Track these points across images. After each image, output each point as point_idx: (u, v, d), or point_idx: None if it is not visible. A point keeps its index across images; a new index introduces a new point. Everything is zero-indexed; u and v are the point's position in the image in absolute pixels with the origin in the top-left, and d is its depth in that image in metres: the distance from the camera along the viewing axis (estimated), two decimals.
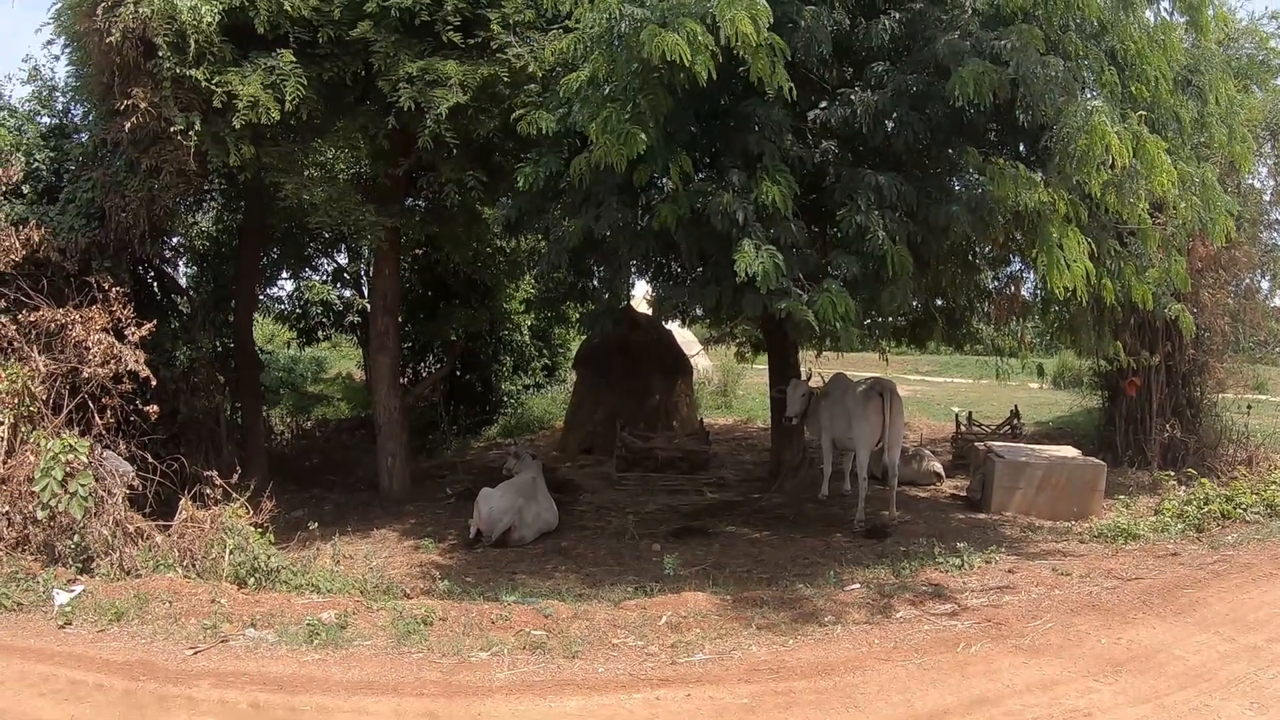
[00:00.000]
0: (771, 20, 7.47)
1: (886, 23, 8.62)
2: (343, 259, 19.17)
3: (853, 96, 8.56)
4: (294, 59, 9.66)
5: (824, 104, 8.86)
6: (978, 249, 9.46)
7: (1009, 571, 8.99)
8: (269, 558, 8.42)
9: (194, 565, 8.34)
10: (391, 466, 13.59)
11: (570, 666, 6.49)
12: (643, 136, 7.96)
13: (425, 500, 13.38)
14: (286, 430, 18.91)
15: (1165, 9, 9.78)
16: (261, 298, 18.15)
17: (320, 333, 20.71)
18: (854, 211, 8.28)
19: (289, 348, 24.08)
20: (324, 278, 19.82)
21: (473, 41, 10.17)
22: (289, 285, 19.79)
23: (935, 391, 28.83)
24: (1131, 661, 6.67)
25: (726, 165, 8.64)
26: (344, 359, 26.93)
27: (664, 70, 7.81)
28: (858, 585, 8.32)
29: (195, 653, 6.69)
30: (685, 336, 22.07)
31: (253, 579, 8.19)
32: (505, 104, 10.15)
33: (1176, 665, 6.64)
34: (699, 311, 11.61)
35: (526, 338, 22.49)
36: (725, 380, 24.52)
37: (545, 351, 23.45)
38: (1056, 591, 8.38)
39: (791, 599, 7.84)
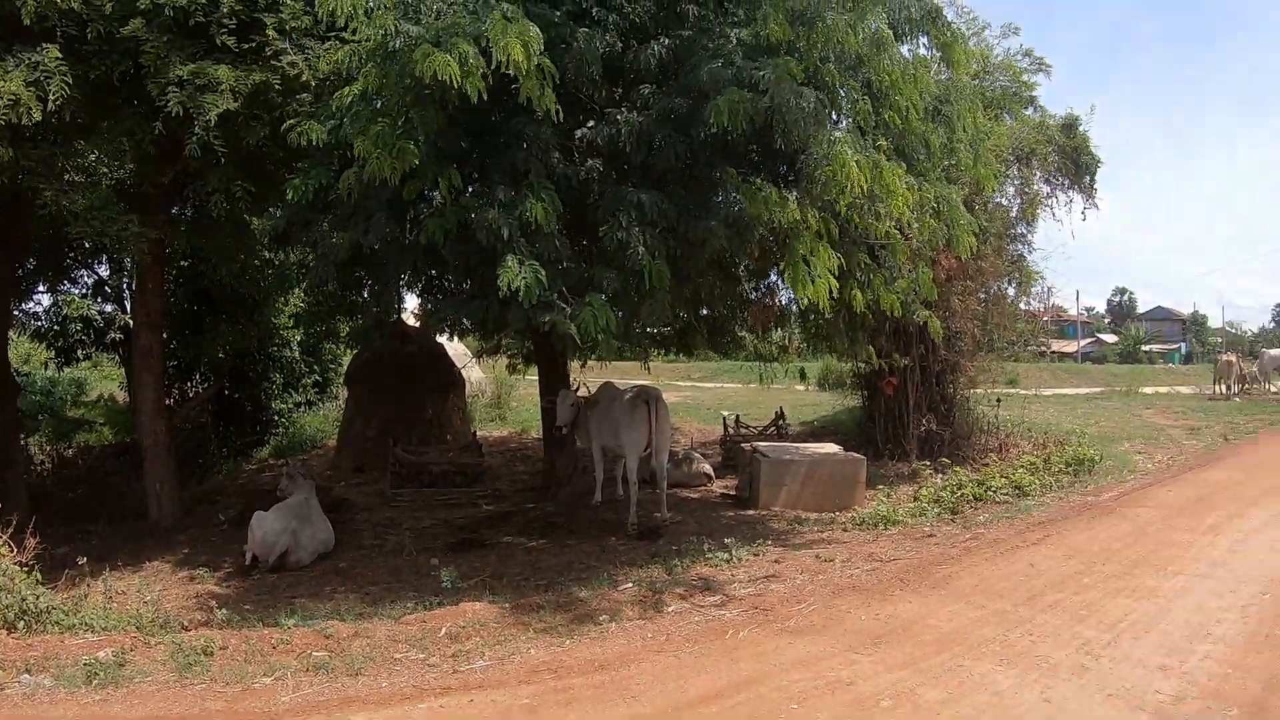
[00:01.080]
0: (543, 45, 7.69)
1: (656, 48, 8.99)
2: (105, 271, 18.16)
3: (619, 117, 8.87)
4: (60, 55, 9.10)
5: (591, 123, 9.12)
6: (738, 262, 9.95)
7: (775, 562, 9.58)
8: (37, 598, 7.90)
9: None
10: (160, 494, 12.98)
11: (354, 684, 6.48)
12: (414, 150, 8.07)
13: (198, 528, 12.88)
14: (47, 460, 17.74)
15: (924, 44, 10.65)
16: (16, 313, 16.93)
17: (80, 351, 19.57)
18: (615, 228, 8.53)
19: (46, 368, 22.57)
20: (83, 291, 18.67)
21: (247, 46, 9.89)
22: (45, 300, 18.67)
23: (706, 396, 29.96)
24: (890, 634, 7.26)
25: (495, 181, 8.75)
26: (106, 379, 25.57)
27: (435, 88, 7.87)
28: (631, 584, 8.67)
29: None
30: (457, 349, 22.04)
31: (22, 622, 7.67)
32: (277, 112, 9.95)
33: (931, 633, 7.28)
34: (467, 325, 11.63)
35: (296, 354, 21.90)
36: (499, 392, 24.64)
37: (316, 368, 22.90)
38: (820, 577, 9.01)
39: (568, 602, 8.10)
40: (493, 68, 7.52)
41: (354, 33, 8.66)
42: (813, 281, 8.85)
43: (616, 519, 11.26)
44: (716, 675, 6.39)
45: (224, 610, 8.59)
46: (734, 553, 9.68)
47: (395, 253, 9.70)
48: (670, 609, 7.96)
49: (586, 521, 11.59)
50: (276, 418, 20.95)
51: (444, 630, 7.41)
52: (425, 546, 11.16)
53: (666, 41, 9.09)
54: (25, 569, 8.18)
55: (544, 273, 8.09)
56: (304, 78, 9.87)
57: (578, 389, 12.72)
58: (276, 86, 9.92)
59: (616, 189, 8.91)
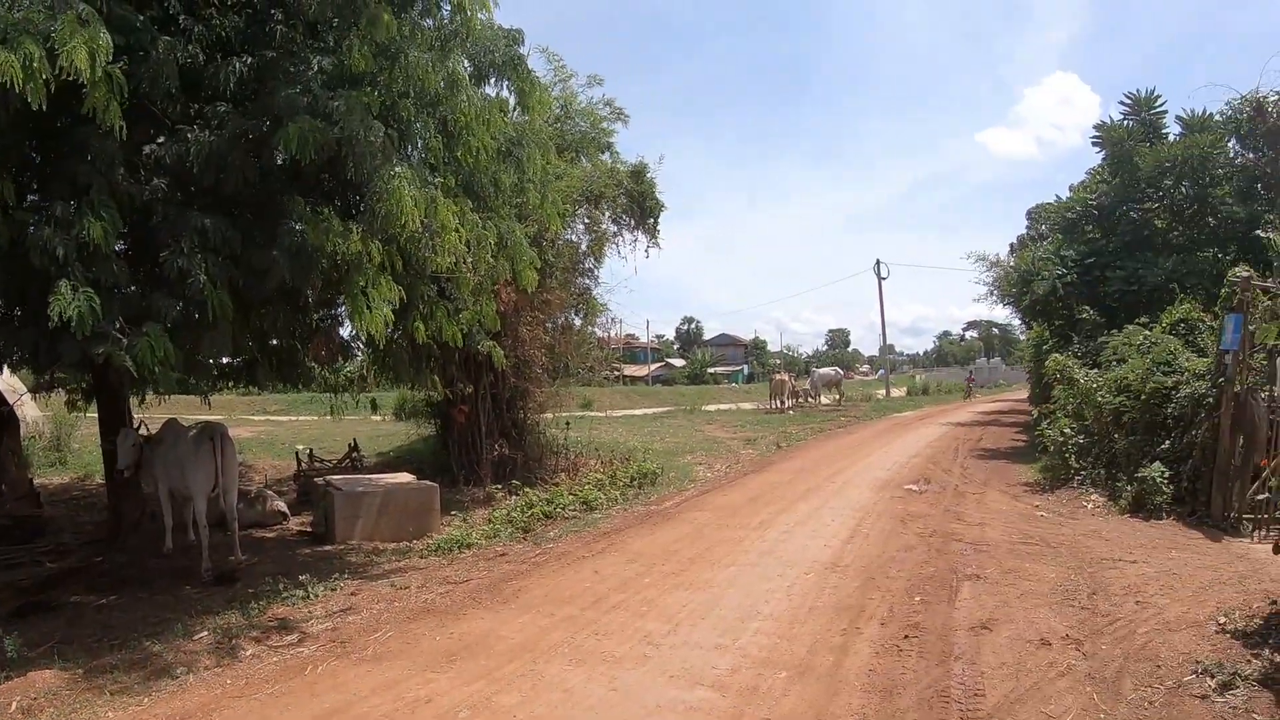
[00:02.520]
0: (111, 55, 7.12)
1: (238, 65, 8.53)
2: None
3: (189, 135, 8.31)
4: None
5: (162, 139, 8.48)
6: (303, 292, 9.78)
7: (352, 594, 9.58)
8: None
9: None
10: None
11: None
12: None
13: None
14: None
15: (508, 87, 11.09)
16: None
17: None
18: (177, 254, 8.06)
19: None
20: None
21: None
22: None
23: (281, 431, 28.91)
24: (465, 650, 7.59)
25: (55, 195, 7.96)
26: None
27: None
28: (206, 633, 8.28)
29: None
30: (7, 383, 19.33)
31: None
32: None
33: (504, 644, 7.70)
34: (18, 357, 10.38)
35: None
36: (59, 432, 21.66)
37: None
38: (396, 604, 9.17)
39: (142, 659, 7.57)
40: (56, 72, 6.90)
41: None
42: (372, 311, 8.94)
43: (191, 566, 10.52)
44: (299, 712, 6.33)
45: None
46: (310, 590, 9.56)
47: None
48: (247, 653, 7.72)
49: (159, 571, 10.71)
50: None
51: (14, 705, 6.64)
52: None
53: (250, 60, 8.66)
54: None
55: (99, 301, 7.44)
56: None
57: (139, 427, 11.76)
58: None
59: (181, 211, 8.38)
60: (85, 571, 11.03)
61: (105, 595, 9.91)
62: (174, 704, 6.57)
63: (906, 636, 7.60)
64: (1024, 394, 47.75)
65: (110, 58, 7.12)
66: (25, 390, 19.27)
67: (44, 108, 6.94)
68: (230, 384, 13.85)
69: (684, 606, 8.74)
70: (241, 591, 9.69)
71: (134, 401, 12.85)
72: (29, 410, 20.51)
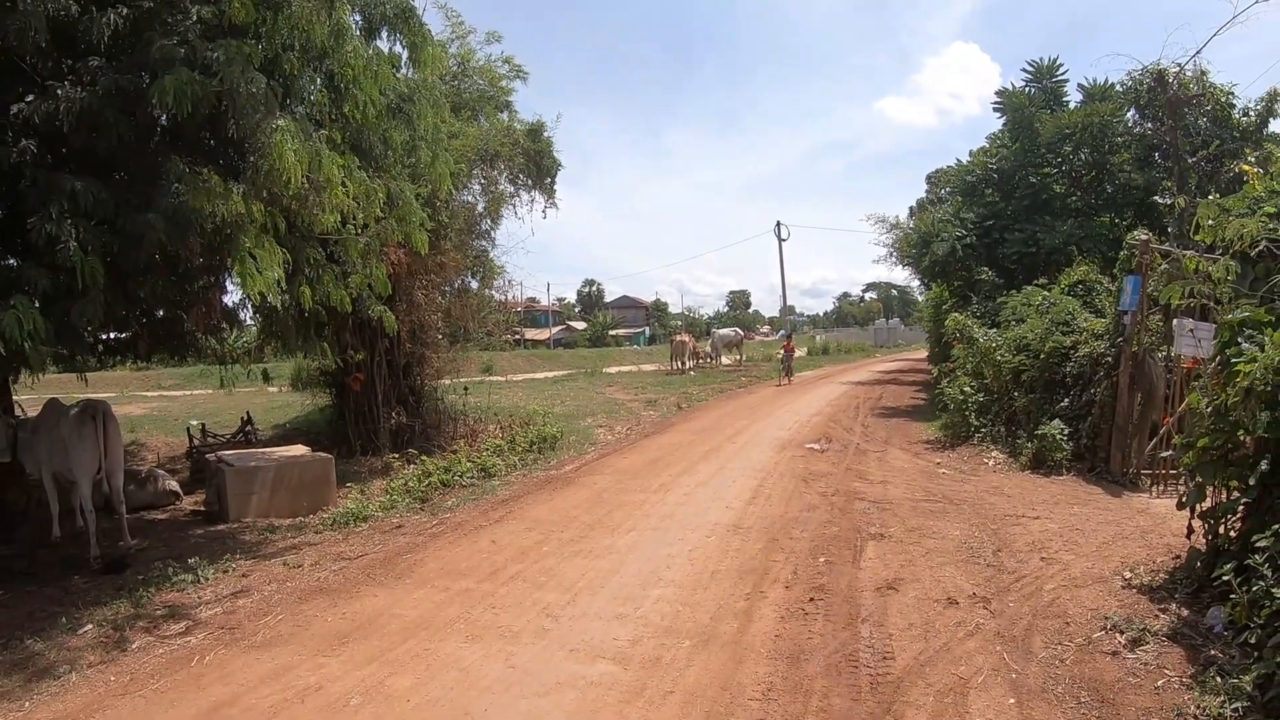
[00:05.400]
0: None
1: (113, 16, 7.99)
2: None
3: (60, 91, 7.78)
4: None
5: (31, 98, 7.90)
6: (184, 258, 9.26)
7: (243, 576, 9.20)
8: None
9: None
10: None
11: None
12: None
13: None
14: None
15: (400, 42, 10.58)
16: None
17: None
18: (45, 219, 7.56)
19: None
20: None
21: None
22: None
23: (175, 406, 27.91)
24: (356, 630, 7.29)
25: None
26: None
27: None
28: (90, 626, 7.81)
29: None
30: None
31: None
32: None
33: (397, 623, 7.43)
34: None
35: None
36: None
37: None
38: (289, 584, 8.81)
39: (23, 659, 7.10)
40: None
41: None
42: (260, 274, 8.60)
43: (81, 554, 9.96)
44: (184, 708, 5.98)
45: None
46: (200, 573, 9.15)
47: None
48: (134, 645, 7.30)
49: (48, 561, 10.13)
50: None
51: None
52: None
53: (125, 11, 8.11)
54: None
55: None
56: None
57: (13, 410, 11.04)
58: None
59: (51, 175, 7.87)
60: None
61: None
62: (55, 706, 6.17)
63: (812, 599, 7.54)
64: (923, 354, 48.75)
65: None
66: None
67: None
68: (115, 359, 13.15)
69: (583, 575, 8.57)
70: (131, 579, 9.24)
71: (12, 382, 12.09)
72: None
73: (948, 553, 8.86)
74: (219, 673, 6.58)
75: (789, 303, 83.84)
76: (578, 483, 13.35)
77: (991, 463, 13.87)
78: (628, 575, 8.49)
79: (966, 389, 16.32)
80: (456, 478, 13.67)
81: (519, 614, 7.50)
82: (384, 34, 10.47)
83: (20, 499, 11.77)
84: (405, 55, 10.77)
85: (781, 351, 35.10)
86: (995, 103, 25.54)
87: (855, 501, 11.35)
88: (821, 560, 8.73)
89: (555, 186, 20.07)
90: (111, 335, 11.69)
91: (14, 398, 11.85)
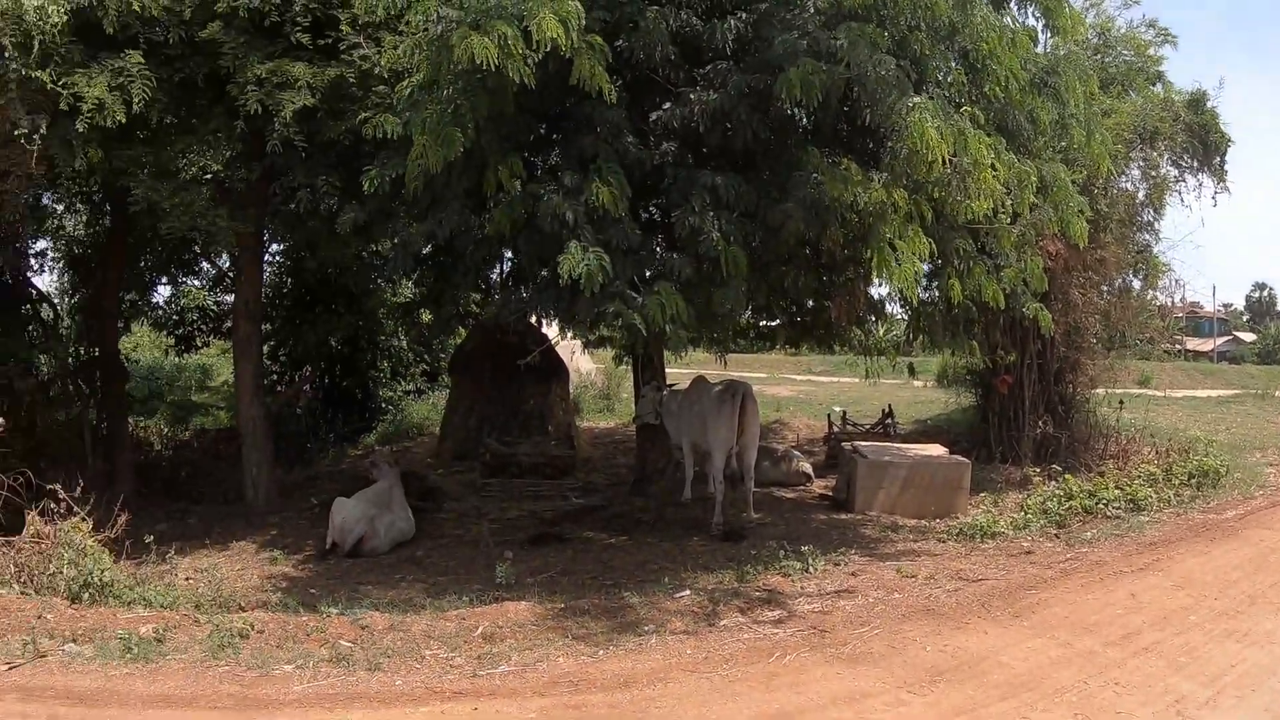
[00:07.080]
0: (583, 22, 7.36)
1: (732, 23, 8.58)
2: (225, 263, 18.72)
3: (691, 96, 8.45)
4: (142, 60, 9.41)
5: (667, 105, 8.71)
6: (822, 248, 9.36)
7: (852, 574, 8.90)
8: (103, 572, 8.11)
9: (31, 581, 8.05)
10: (256, 477, 13.21)
11: (369, 679, 6.29)
12: (460, 137, 7.82)
13: (291, 511, 13.07)
14: (160, 442, 18.38)
15: (1032, 12, 9.86)
16: (140, 303, 17.90)
17: (198, 339, 20.40)
18: (688, 212, 8.18)
19: (167, 355, 23.58)
20: (204, 283, 19.41)
21: (322, 42, 10.09)
22: (165, 290, 19.51)
23: (820, 391, 28.90)
24: (954, 670, 6.47)
25: (563, 167, 8.48)
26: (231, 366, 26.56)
27: (488, 72, 7.59)
28: (688, 593, 8.14)
29: (10, 668, 6.43)
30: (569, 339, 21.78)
31: (86, 594, 7.92)
32: (356, 106, 9.96)
33: (1001, 673, 6.42)
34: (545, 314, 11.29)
35: (404, 343, 21.94)
36: (608, 383, 24.31)
37: (426, 357, 22.88)
38: (896, 595, 8.26)
39: (616, 608, 7.66)
40: (534, 48, 7.22)
41: (408, 23, 8.62)
42: (898, 266, 8.33)
43: (703, 518, 10.77)
44: (744, 705, 5.85)
45: (279, 593, 8.65)
46: (810, 562, 9.05)
47: (468, 243, 9.50)
48: (723, 623, 7.42)
49: (672, 520, 11.19)
50: (384, 405, 21.13)
51: (480, 629, 7.14)
52: (504, 539, 10.95)
53: (744, 15, 8.68)
54: (113, 544, 8.48)
55: (608, 259, 7.75)
56: (376, 70, 9.87)
57: (657, 385, 12.35)
58: (352, 80, 10.03)
59: (690, 172, 8.58)
60: (604, 510, 12.07)
61: (615, 535, 10.52)
62: (623, 662, 6.49)
63: None
64: None
65: (583, 24, 7.36)
66: (581, 346, 21.59)
67: (524, 80, 7.40)
68: (764, 345, 14.05)
69: (1234, 665, 6.63)
70: (744, 551, 9.62)
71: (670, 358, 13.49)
72: (582, 363, 23.06)
73: None
74: (793, 678, 6.33)
75: None
76: (1241, 535, 10.79)
77: None
78: None
79: None
80: (1100, 505, 12.04)
81: (1145, 700, 5.99)
82: (1012, 3, 9.62)
83: (659, 460, 13.09)
84: (1039, 25, 9.87)
85: None
86: None
87: None
88: None
89: (1225, 167, 16.98)
90: (761, 323, 12.42)
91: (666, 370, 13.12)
